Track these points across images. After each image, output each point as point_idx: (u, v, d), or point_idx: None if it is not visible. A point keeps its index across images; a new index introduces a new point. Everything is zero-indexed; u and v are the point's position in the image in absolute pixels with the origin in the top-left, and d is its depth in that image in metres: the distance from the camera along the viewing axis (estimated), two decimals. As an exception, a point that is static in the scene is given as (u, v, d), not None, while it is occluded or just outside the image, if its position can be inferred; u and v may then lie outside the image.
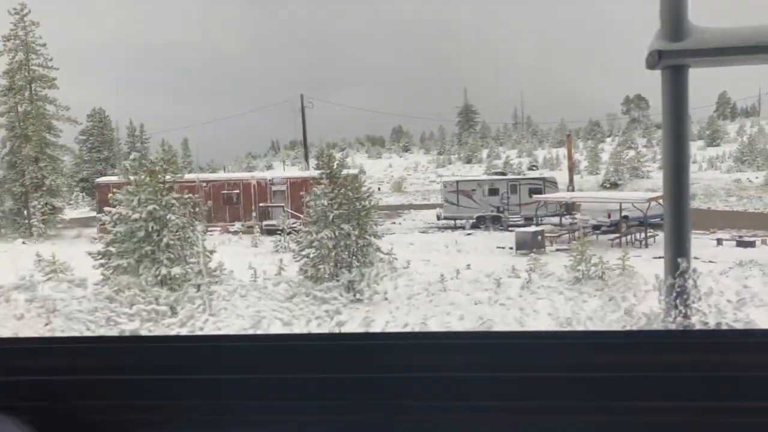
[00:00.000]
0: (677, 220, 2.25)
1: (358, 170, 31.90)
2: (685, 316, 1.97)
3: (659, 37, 2.09)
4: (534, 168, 69.09)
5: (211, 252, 14.17)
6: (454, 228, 31.13)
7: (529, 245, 21.16)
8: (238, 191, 30.61)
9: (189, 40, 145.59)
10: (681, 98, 2.16)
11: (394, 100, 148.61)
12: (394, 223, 34.57)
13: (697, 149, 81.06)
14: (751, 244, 21.71)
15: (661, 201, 22.78)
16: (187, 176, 26.79)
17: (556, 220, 29.41)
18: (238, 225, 27.83)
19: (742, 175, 60.99)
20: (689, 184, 2.25)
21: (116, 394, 1.28)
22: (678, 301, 1.99)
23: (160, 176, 14.20)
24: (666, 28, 2.09)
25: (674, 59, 2.09)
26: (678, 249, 2.21)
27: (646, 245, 22.42)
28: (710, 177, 62.94)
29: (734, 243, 22.35)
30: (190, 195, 15.10)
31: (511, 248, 22.01)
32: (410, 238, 26.27)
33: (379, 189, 55.97)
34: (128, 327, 5.39)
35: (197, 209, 14.69)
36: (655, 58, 2.08)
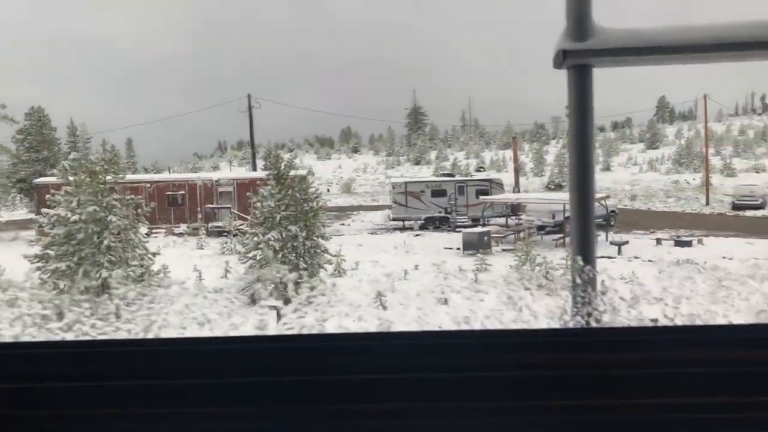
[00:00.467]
0: (582, 217, 2.28)
1: (306, 171, 31.71)
2: (583, 315, 2.01)
3: (565, 36, 2.10)
4: (481, 170, 70.03)
5: (155, 254, 13.88)
6: (403, 229, 31.28)
7: (475, 246, 21.44)
8: (183, 192, 30.02)
9: (134, 38, 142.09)
10: (586, 98, 2.17)
11: (343, 100, 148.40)
12: (343, 224, 34.52)
13: (638, 152, 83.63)
14: (688, 244, 22.53)
15: (603, 202, 23.39)
16: (131, 177, 26.14)
17: (502, 220, 29.89)
18: (183, 227, 27.30)
19: (680, 177, 63.20)
20: (594, 182, 2.29)
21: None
22: (578, 299, 2.03)
23: (101, 177, 13.81)
24: (571, 27, 2.11)
25: (578, 59, 2.10)
26: (583, 246, 2.25)
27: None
28: (650, 178, 65.02)
29: (673, 243, 23.14)
30: (133, 196, 14.75)
31: (459, 249, 22.26)
32: (359, 240, 26.28)
33: (328, 190, 55.76)
34: (9, 333, 5.15)
35: (140, 210, 14.34)
36: (561, 58, 2.09)
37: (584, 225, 2.23)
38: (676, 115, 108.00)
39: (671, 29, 2.07)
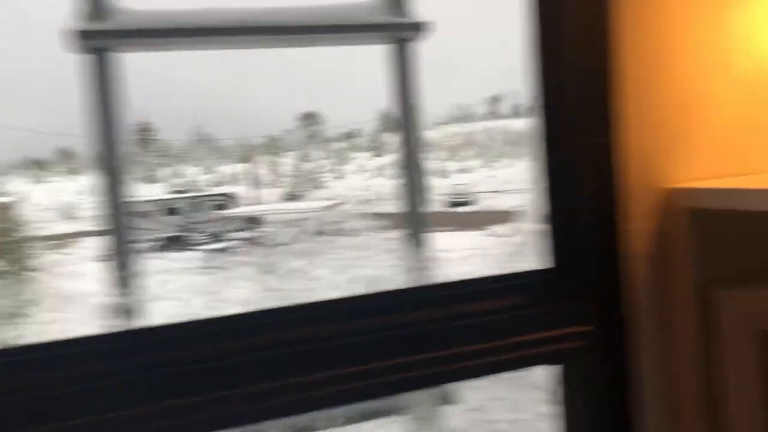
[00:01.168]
0: (116, 221, 2.17)
1: (12, 198, 28.00)
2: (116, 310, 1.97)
3: (80, 17, 1.92)
4: (219, 184, 69.01)
5: None
6: (137, 252, 29.36)
7: (214, 261, 21.01)
8: None
9: None
10: (106, 84, 2.04)
11: (59, 119, 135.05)
12: (65, 253, 31.22)
13: (367, 160, 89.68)
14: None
15: (336, 208, 24.38)
16: None
17: (244, 234, 29.65)
18: None
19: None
20: (122, 171, 2.19)
21: None
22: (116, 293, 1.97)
23: None
24: (87, 6, 1.93)
25: (96, 41, 1.93)
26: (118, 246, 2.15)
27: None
28: (379, 183, 70.07)
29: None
30: None
31: (198, 266, 21.55)
32: (84, 269, 23.97)
33: (47, 218, 50.12)
34: None
35: None
36: (78, 40, 1.91)
37: (118, 227, 2.13)
38: (396, 125, 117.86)
39: (199, 12, 2.03)
